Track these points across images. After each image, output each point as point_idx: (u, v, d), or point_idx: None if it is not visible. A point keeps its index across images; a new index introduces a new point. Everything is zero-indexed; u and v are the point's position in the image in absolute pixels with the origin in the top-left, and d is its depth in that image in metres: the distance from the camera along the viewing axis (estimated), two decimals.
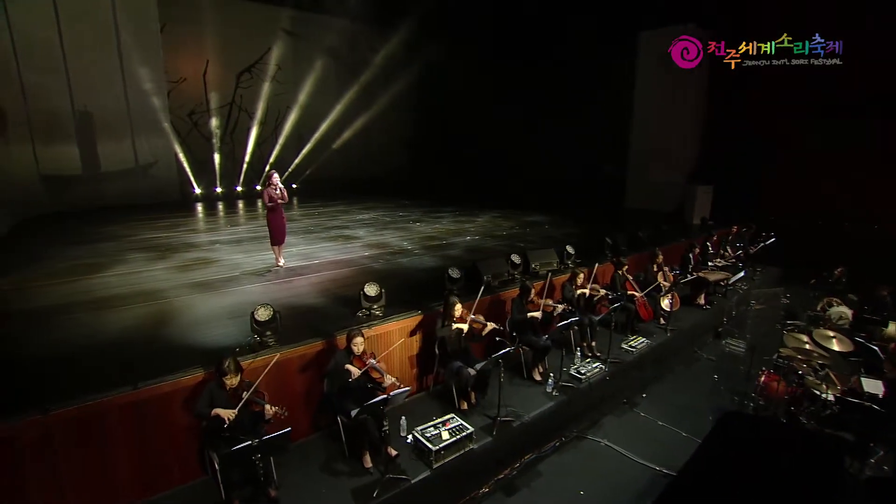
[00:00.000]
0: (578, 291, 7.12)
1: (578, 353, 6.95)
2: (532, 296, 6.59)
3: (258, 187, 17.76)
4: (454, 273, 6.72)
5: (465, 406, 5.70)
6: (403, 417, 5.20)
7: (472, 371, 5.59)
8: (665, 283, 8.43)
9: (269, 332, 5.03)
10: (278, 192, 7.76)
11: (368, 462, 4.61)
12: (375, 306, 5.93)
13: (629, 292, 7.88)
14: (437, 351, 5.93)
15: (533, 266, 7.88)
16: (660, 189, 14.43)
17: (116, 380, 4.25)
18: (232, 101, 17.85)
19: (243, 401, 4.12)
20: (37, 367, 4.64)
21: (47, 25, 12.93)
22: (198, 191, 16.35)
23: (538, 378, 6.47)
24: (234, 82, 17.88)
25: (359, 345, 4.85)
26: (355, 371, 4.76)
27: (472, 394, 5.76)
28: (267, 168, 18.04)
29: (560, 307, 6.67)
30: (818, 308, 8.37)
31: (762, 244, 10.82)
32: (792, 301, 9.19)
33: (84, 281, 7.31)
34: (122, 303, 6.39)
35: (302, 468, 4.66)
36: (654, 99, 14.55)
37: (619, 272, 8.04)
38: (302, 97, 18.96)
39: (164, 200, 14.88)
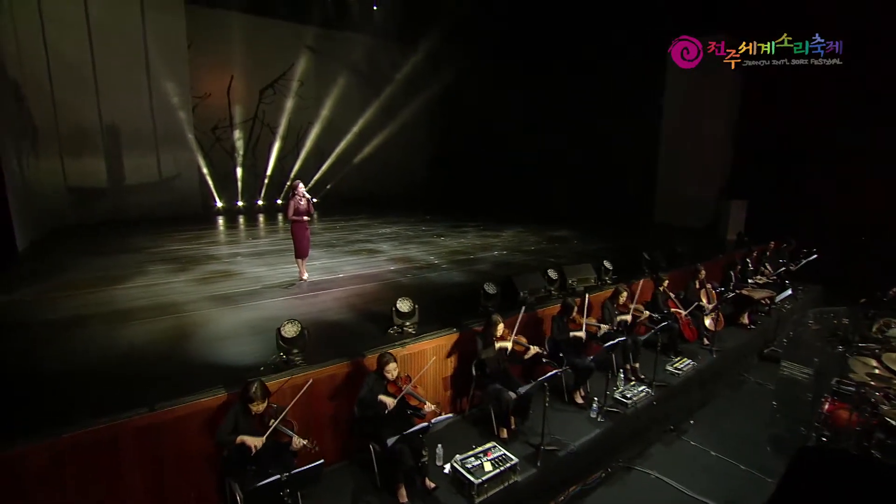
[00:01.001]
0: (620, 317, 6.56)
1: (622, 376, 6.40)
2: (574, 314, 6.09)
3: (279, 201, 17.62)
4: (490, 288, 6.26)
5: (504, 432, 5.19)
6: (440, 445, 4.70)
7: (513, 395, 5.09)
8: (708, 301, 7.86)
9: (296, 351, 4.61)
10: (304, 203, 7.41)
11: (404, 496, 4.11)
12: (408, 323, 5.49)
13: (672, 311, 7.32)
14: (474, 372, 5.44)
15: (570, 282, 7.38)
16: (690, 204, 13.88)
17: (132, 400, 3.85)
18: (254, 116, 17.76)
19: (271, 429, 3.67)
20: (49, 385, 4.29)
21: (80, 45, 13.09)
22: (219, 204, 16.22)
23: (580, 402, 5.93)
24: (256, 98, 17.81)
25: (391, 371, 4.40)
26: (390, 402, 4.29)
27: (512, 419, 5.25)
28: (289, 182, 17.89)
29: (604, 327, 6.16)
30: (874, 330, 7.70)
31: (804, 261, 10.17)
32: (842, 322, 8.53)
33: (103, 292, 7.02)
34: (140, 316, 6.06)
35: (330, 501, 4.18)
36: (683, 111, 14.10)
37: (660, 289, 7.49)
38: (323, 112, 18.85)
39: (186, 213, 14.74)
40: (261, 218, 15.78)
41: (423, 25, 17.81)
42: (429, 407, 4.43)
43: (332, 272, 8.30)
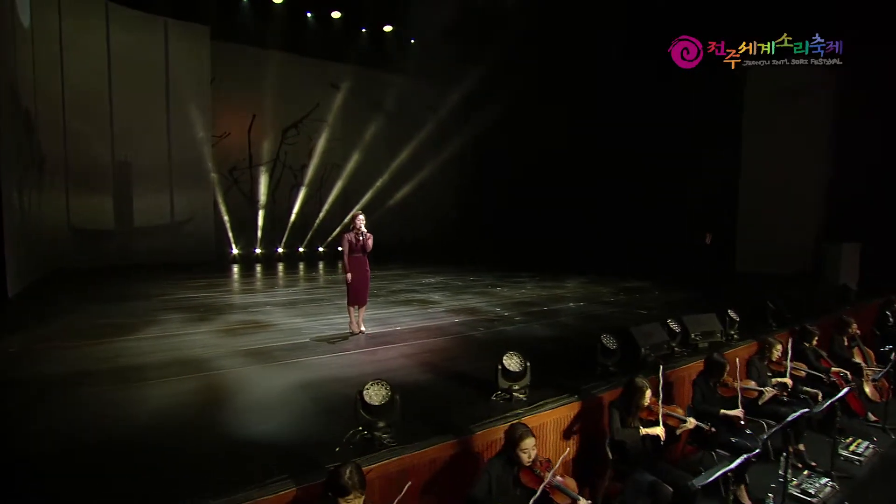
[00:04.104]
0: (777, 379, 5.33)
1: (784, 462, 5.09)
2: (725, 376, 4.92)
3: (301, 249, 16.93)
4: (610, 343, 5.14)
5: None
6: None
7: (669, 489, 3.87)
8: (865, 362, 6.61)
9: (382, 424, 3.49)
10: (361, 239, 6.50)
11: None
12: (517, 387, 4.36)
13: (832, 373, 6.08)
14: (610, 455, 4.23)
15: (692, 336, 6.23)
16: (780, 249, 12.78)
17: (157, 496, 2.80)
18: (276, 157, 17.39)
19: None
20: (34, 471, 3.20)
21: (99, 75, 13.05)
22: (236, 251, 15.51)
23: (745, 501, 4.62)
24: (279, 138, 17.52)
25: (529, 450, 3.25)
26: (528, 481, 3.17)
27: None
28: (313, 229, 17.31)
29: (768, 391, 4.97)
30: None
31: None
32: None
33: (109, 343, 6.10)
34: (157, 374, 5.05)
35: None
36: (766, 143, 13.34)
37: (808, 345, 6.29)
38: (350, 154, 18.45)
39: (200, 260, 14.08)
40: (280, 267, 15.04)
41: (458, 64, 17.57)
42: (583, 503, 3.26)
43: (387, 324, 7.30)
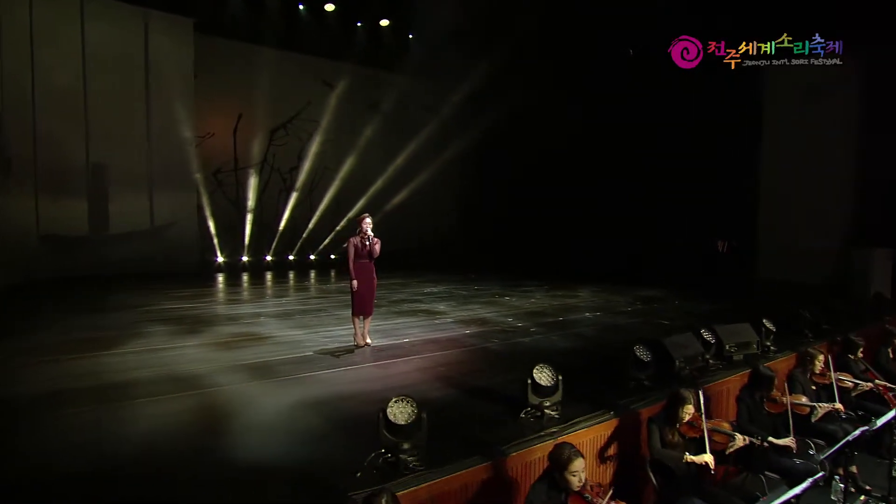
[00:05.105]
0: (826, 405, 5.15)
1: (839, 486, 4.92)
2: (773, 391, 4.77)
3: (291, 257, 16.69)
4: (644, 355, 4.99)
5: None
6: None
7: None
8: None
9: (407, 446, 3.30)
10: (367, 243, 6.34)
11: None
12: (549, 403, 4.19)
13: (879, 386, 5.95)
14: (651, 476, 4.05)
15: (727, 347, 6.10)
16: (804, 256, 12.72)
17: None
18: (264, 159, 17.15)
19: None
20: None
21: (73, 71, 12.77)
22: (221, 259, 15.26)
23: None
24: (267, 139, 17.30)
25: (578, 472, 3.07)
26: None
27: None
28: (305, 234, 17.06)
29: (823, 407, 4.82)
30: None
31: None
32: None
33: (90, 359, 5.86)
34: (146, 392, 4.85)
35: None
36: (789, 143, 13.37)
37: (852, 357, 6.17)
38: (343, 157, 18.25)
39: (183, 268, 13.81)
40: (269, 275, 14.85)
41: (462, 62, 17.47)
42: None
43: (394, 336, 7.17)
